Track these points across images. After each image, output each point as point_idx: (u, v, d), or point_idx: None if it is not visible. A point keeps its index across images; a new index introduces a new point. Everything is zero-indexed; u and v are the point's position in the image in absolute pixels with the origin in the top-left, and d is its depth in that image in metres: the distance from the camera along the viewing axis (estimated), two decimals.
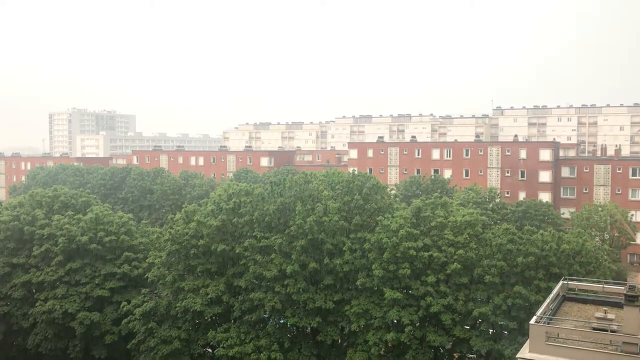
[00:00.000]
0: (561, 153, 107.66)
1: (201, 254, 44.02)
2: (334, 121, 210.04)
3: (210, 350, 44.88)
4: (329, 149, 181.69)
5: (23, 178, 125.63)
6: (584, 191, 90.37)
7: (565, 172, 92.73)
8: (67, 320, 47.61)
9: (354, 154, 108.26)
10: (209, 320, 45.04)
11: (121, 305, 46.18)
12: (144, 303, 44.56)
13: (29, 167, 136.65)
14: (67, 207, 57.30)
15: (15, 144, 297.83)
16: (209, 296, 41.98)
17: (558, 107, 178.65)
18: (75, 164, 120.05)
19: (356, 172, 49.93)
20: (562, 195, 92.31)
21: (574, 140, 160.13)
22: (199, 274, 44.78)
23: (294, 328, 43.24)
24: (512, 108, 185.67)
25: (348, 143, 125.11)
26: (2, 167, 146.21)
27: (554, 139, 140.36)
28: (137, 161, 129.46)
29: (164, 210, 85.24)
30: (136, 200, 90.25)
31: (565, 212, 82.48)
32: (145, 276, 47.87)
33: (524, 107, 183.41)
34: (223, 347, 40.43)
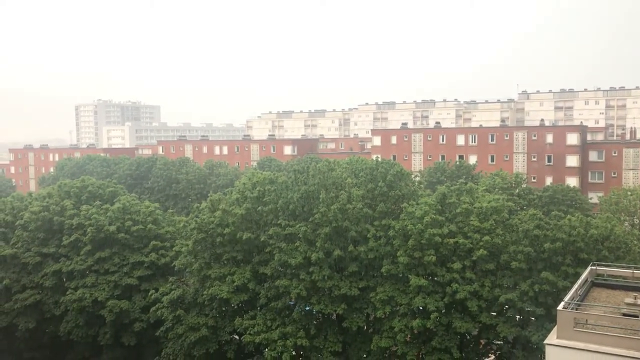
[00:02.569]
0: (589, 137, 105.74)
1: (227, 242, 44.34)
2: (356, 108, 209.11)
3: (237, 337, 45.32)
4: (352, 136, 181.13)
5: (51, 169, 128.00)
6: (613, 175, 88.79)
7: (593, 156, 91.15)
8: (97, 308, 48.51)
9: (377, 140, 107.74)
10: (236, 307, 45.41)
11: (149, 294, 46.80)
12: (172, 291, 45.13)
13: (57, 158, 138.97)
14: (95, 197, 58.26)
15: (43, 136, 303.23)
16: (235, 284, 42.29)
17: (585, 90, 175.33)
18: (101, 154, 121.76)
19: (380, 159, 49.73)
20: (589, 180, 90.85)
21: (601, 124, 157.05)
22: (225, 262, 45.18)
23: (320, 315, 43.40)
24: (538, 92, 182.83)
25: (371, 130, 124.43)
26: (31, 158, 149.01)
27: (581, 122, 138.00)
28: (163, 151, 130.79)
29: (189, 200, 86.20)
30: (162, 189, 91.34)
31: (594, 197, 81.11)
32: (172, 264, 48.50)
33: (550, 91, 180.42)
34: (250, 334, 40.82)
